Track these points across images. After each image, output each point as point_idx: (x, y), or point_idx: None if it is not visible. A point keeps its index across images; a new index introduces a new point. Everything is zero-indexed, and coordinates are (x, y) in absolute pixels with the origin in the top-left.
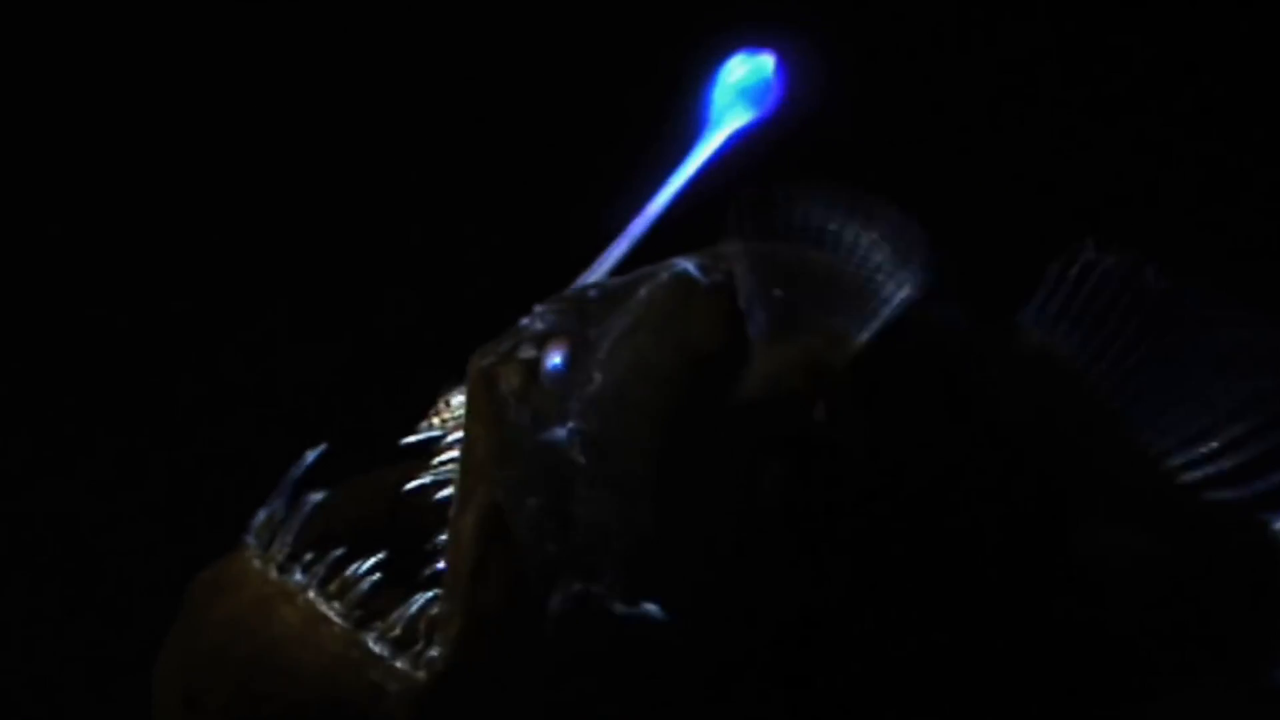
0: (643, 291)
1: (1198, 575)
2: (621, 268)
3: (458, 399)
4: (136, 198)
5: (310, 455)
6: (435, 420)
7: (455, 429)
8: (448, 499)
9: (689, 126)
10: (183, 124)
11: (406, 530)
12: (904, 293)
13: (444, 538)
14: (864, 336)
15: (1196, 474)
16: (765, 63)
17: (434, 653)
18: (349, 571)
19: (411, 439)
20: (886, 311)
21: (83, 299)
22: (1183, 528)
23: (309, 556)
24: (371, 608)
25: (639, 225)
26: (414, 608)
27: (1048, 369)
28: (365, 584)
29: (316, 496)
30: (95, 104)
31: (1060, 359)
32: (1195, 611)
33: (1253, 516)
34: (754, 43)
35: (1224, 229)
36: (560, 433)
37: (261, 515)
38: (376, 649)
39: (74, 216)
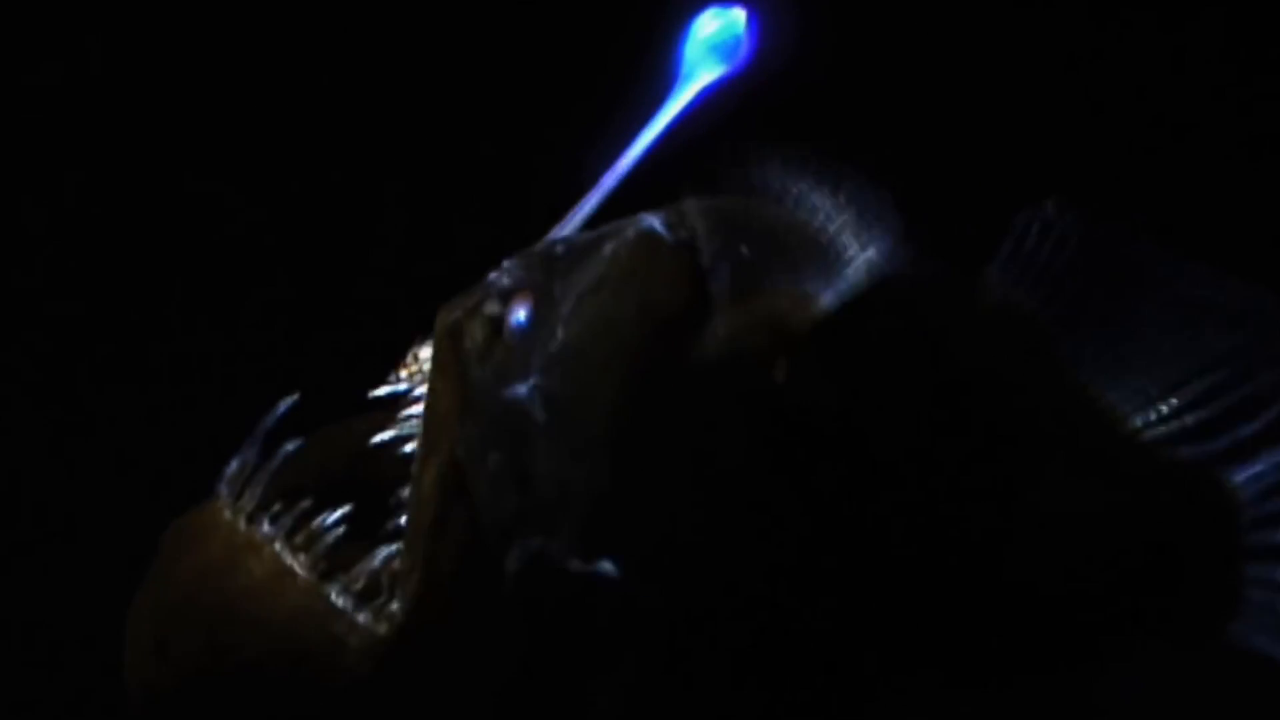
0: (608, 248)
1: (1155, 533)
2: (592, 222)
3: (426, 352)
4: (106, 170)
5: (282, 405)
6: (404, 372)
7: (422, 383)
8: (412, 454)
9: (660, 81)
10: (151, 101)
11: (373, 482)
12: (870, 255)
13: (406, 492)
14: (828, 297)
15: (1156, 431)
16: (737, 17)
17: (394, 607)
18: (315, 524)
19: (379, 391)
20: (852, 273)
21: (55, 266)
22: (1140, 484)
23: (277, 508)
24: (337, 561)
25: (609, 180)
26: (377, 561)
27: (1009, 324)
28: (330, 537)
29: (288, 448)
30: (80, 89)
31: (1022, 315)
32: (1152, 569)
33: (1210, 473)
34: None
35: (1192, 188)
36: (521, 389)
37: (234, 465)
38: (339, 602)
39: (51, 193)
